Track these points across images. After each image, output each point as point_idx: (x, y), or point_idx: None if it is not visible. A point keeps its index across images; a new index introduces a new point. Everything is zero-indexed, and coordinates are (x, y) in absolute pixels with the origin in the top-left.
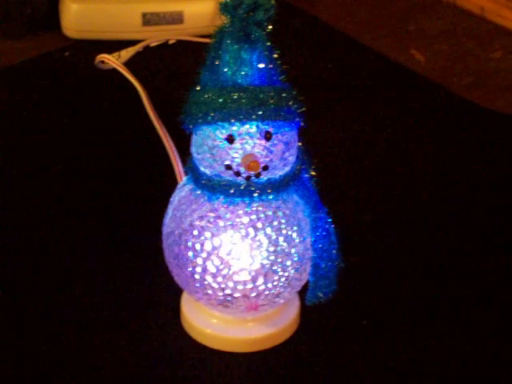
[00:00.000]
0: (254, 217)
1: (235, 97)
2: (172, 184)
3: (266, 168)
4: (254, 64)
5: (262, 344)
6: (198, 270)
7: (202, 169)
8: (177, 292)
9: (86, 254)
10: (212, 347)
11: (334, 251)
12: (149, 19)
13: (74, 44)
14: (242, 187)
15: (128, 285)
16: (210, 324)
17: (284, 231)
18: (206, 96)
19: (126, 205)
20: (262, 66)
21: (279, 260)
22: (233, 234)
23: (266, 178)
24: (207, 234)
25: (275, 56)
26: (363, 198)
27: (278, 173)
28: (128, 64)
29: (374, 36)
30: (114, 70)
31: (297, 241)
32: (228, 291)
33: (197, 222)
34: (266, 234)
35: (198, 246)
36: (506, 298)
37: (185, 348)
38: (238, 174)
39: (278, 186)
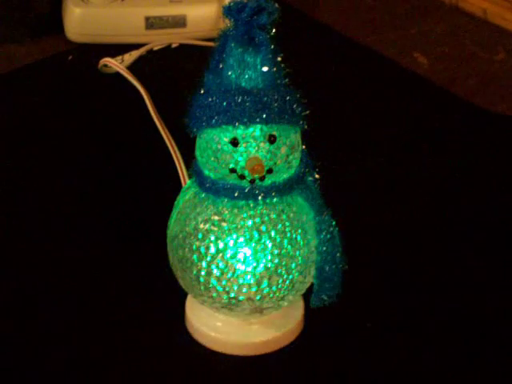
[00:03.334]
0: (258, 220)
1: (239, 100)
2: (176, 187)
3: (270, 171)
4: (257, 67)
5: (266, 347)
6: (203, 273)
7: (206, 172)
8: (181, 295)
9: (89, 256)
10: (216, 350)
11: (339, 254)
12: (152, 23)
13: (78, 48)
14: (246, 190)
15: (132, 288)
16: (214, 327)
17: (288, 234)
18: (210, 99)
19: (130, 208)
20: (265, 69)
21: (284, 263)
22: (237, 237)
23: (270, 181)
24: (212, 237)
25: (279, 59)
26: (368, 200)
27: (283, 176)
28: (131, 68)
29: (376, 39)
30: (118, 74)
31: (301, 244)
32: (232, 294)
33: (201, 225)
34: (270, 237)
35: (202, 249)
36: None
37: (189, 351)
38: (242, 177)
39: (283, 189)
